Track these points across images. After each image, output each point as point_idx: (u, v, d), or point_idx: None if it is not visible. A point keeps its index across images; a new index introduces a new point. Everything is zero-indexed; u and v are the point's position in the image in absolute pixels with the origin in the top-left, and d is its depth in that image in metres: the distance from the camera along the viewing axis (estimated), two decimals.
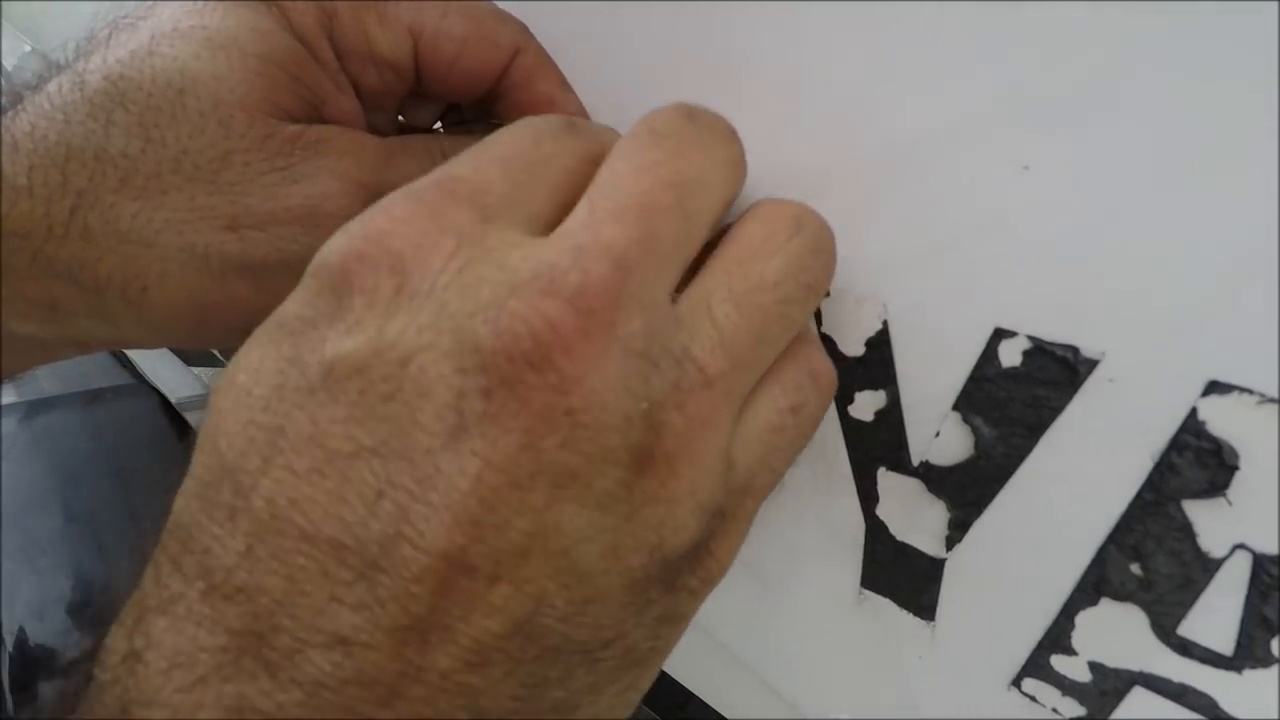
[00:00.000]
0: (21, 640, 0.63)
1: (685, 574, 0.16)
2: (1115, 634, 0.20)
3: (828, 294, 0.22)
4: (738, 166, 0.18)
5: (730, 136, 0.18)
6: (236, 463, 0.13)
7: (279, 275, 0.19)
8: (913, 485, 0.22)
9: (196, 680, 0.13)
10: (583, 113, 0.25)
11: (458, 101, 0.24)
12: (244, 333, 0.16)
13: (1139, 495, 0.18)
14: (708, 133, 0.17)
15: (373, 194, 0.19)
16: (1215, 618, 0.18)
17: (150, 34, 0.18)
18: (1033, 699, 0.22)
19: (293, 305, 0.14)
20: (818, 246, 0.17)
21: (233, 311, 0.19)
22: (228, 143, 0.18)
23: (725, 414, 0.16)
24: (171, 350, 0.71)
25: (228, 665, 0.13)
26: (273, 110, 0.19)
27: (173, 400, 1.03)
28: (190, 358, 0.74)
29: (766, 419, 0.17)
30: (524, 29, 0.23)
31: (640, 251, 0.14)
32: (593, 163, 0.17)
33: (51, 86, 0.18)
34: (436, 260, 0.14)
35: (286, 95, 0.19)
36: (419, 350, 0.13)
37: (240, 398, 0.14)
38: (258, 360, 0.14)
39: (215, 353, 0.66)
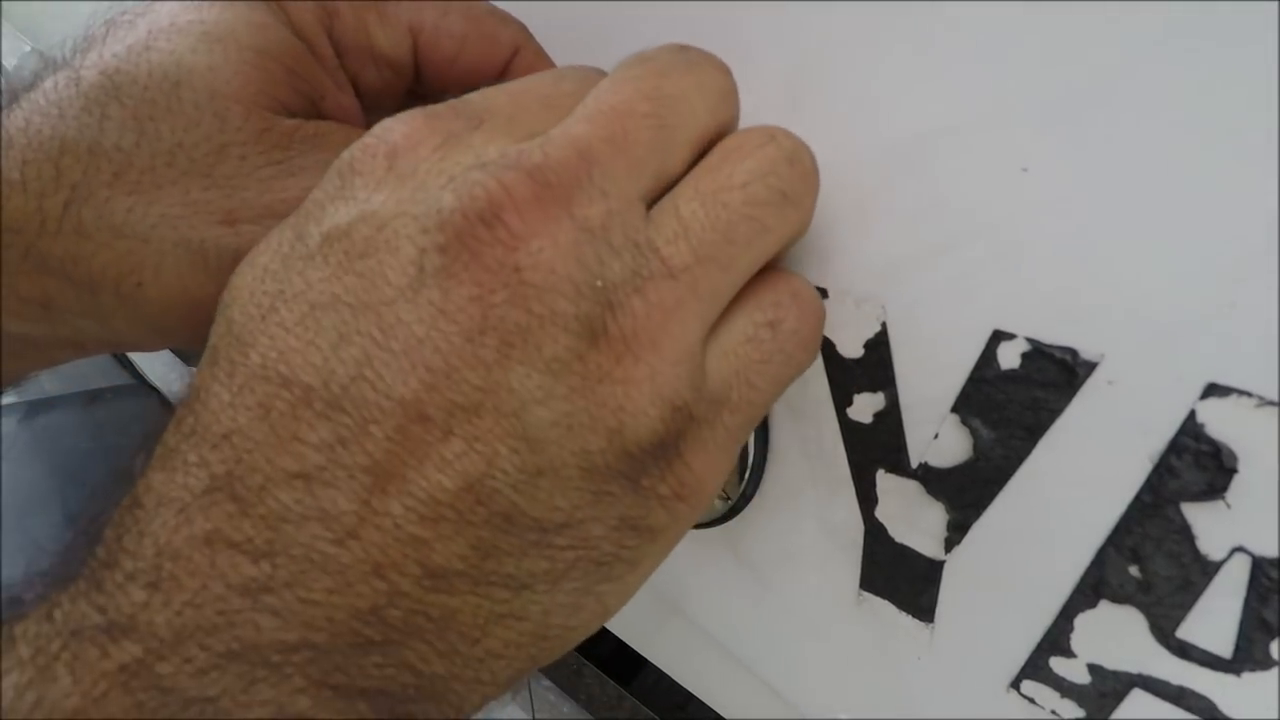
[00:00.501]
0: None
1: (653, 475, 0.16)
2: (1114, 636, 0.20)
3: (825, 294, 0.22)
4: (727, 96, 0.18)
5: (720, 69, 0.18)
6: (242, 324, 0.15)
7: None
8: (912, 487, 0.22)
9: (178, 514, 0.14)
10: None
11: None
12: None
13: (1138, 497, 0.18)
14: (697, 62, 0.17)
15: None
16: (1214, 620, 0.18)
17: (147, 29, 0.18)
18: (1031, 701, 0.22)
19: (312, 194, 0.16)
20: (792, 157, 0.17)
21: None
22: (223, 136, 0.18)
23: (691, 309, 0.16)
24: (172, 350, 0.71)
25: (206, 502, 0.14)
26: (269, 104, 0.19)
27: (173, 400, 1.03)
28: (189, 358, 0.74)
29: (742, 331, 0.17)
30: (523, 28, 0.23)
31: (607, 149, 0.15)
32: None
33: (47, 83, 0.18)
34: (424, 150, 0.15)
35: (283, 89, 0.19)
36: (394, 216, 0.14)
37: (253, 270, 0.15)
38: (275, 239, 0.16)
39: None
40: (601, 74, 0.18)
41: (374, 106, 0.23)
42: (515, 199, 0.14)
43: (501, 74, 0.23)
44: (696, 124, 0.17)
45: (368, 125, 0.22)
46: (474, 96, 0.17)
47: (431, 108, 0.16)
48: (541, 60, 0.24)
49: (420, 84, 0.23)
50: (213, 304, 0.18)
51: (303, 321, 0.14)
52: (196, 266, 0.18)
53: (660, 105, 0.16)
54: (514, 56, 0.23)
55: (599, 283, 0.14)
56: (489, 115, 0.16)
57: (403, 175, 0.15)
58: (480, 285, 0.14)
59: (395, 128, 0.16)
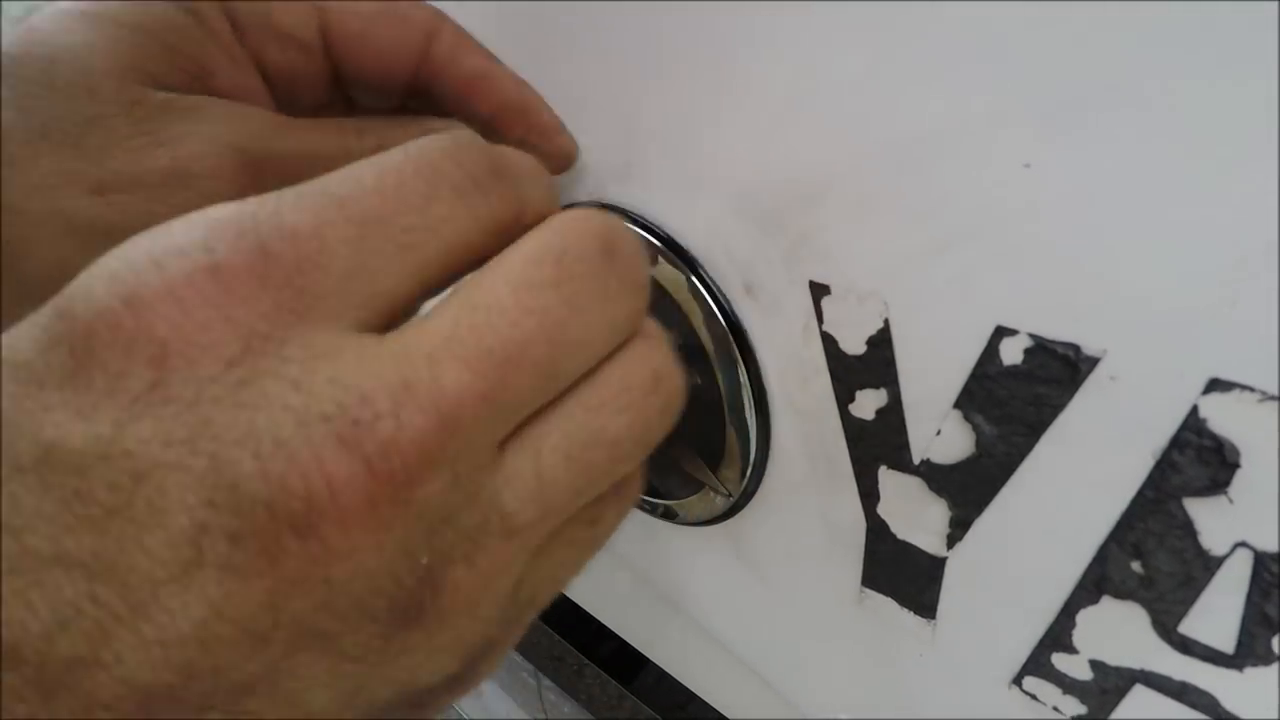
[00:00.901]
0: None
1: (437, 695, 0.14)
2: (1116, 632, 0.20)
3: (828, 290, 0.22)
4: (633, 322, 0.15)
5: (640, 289, 0.15)
6: None
7: None
8: (914, 483, 0.22)
9: None
10: (520, 87, 0.23)
11: (381, 88, 0.23)
12: None
13: (1140, 493, 0.18)
14: (617, 281, 0.14)
15: (259, 164, 0.19)
16: (1216, 615, 0.18)
17: (37, 16, 0.18)
18: (1033, 697, 0.22)
19: (23, 341, 0.12)
20: (669, 406, 0.15)
21: None
22: (93, 108, 0.18)
23: (520, 560, 0.14)
24: None
25: None
26: (143, 78, 0.18)
27: None
28: None
29: (567, 539, 0.15)
30: (438, 11, 0.22)
31: (481, 407, 0.12)
32: (500, 234, 0.14)
33: None
34: (210, 365, 0.11)
35: (160, 64, 0.18)
36: (162, 468, 0.11)
37: None
38: None
39: None
40: (494, 168, 0.14)
41: (287, 90, 0.22)
42: (341, 504, 0.11)
43: (423, 59, 0.22)
44: (588, 365, 0.14)
45: (278, 109, 0.21)
46: (303, 225, 0.12)
47: (230, 249, 0.11)
48: (462, 39, 0.23)
49: (338, 68, 0.22)
50: None
51: (13, 566, 0.10)
52: (68, 236, 0.18)
53: (558, 352, 0.13)
54: (432, 40, 0.22)
55: (424, 559, 0.12)
56: (318, 276, 0.12)
57: (174, 402, 0.11)
58: (275, 594, 0.11)
59: (164, 308, 0.11)
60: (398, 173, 0.13)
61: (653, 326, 0.16)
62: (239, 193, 0.15)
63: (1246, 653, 0.18)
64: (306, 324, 0.12)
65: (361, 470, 0.11)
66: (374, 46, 0.21)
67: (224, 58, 0.20)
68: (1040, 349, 0.18)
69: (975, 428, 0.20)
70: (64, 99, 0.18)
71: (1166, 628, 0.19)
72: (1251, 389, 0.16)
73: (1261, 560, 0.17)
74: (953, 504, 0.22)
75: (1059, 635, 0.21)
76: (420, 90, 0.23)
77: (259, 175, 0.19)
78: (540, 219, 0.15)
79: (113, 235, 0.16)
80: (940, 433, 0.21)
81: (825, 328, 0.23)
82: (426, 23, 0.22)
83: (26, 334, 0.12)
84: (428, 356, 0.12)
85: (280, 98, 0.22)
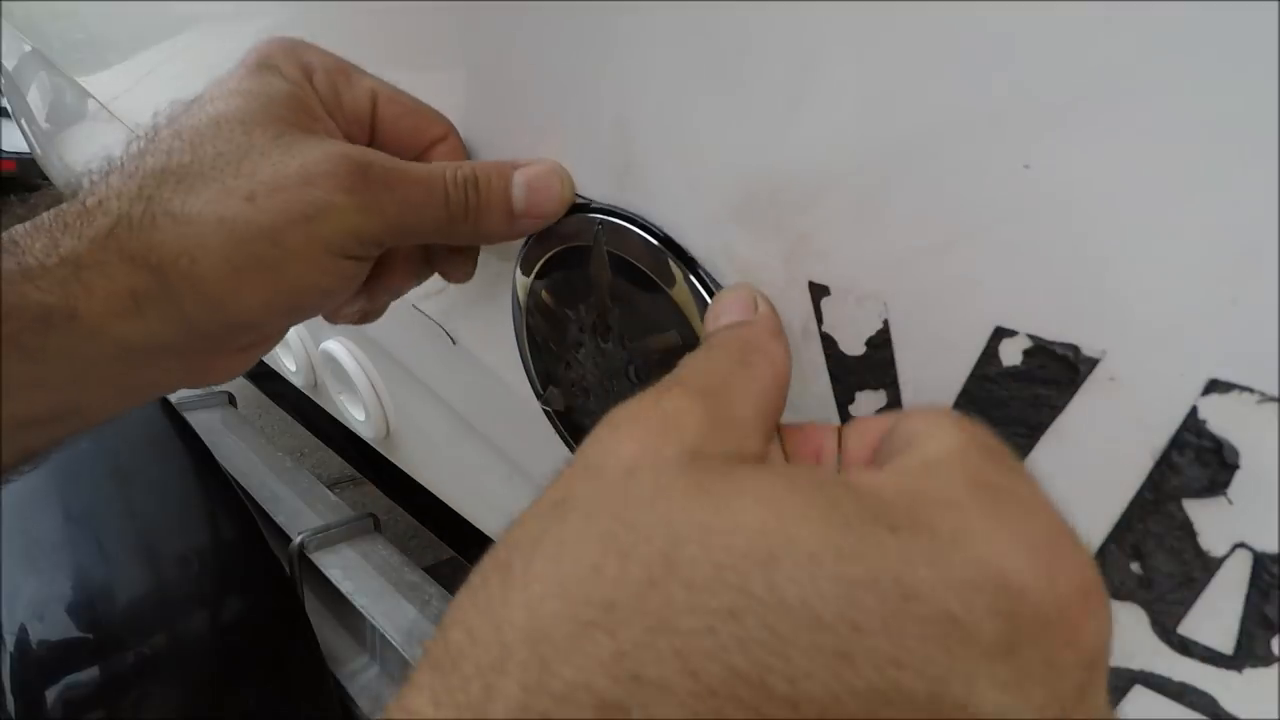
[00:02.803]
0: (22, 639, 0.63)
1: None
2: (1115, 633, 0.20)
3: (827, 291, 0.22)
4: None
5: None
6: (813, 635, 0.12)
7: (291, 232, 0.24)
8: None
9: None
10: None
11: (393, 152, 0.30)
12: (288, 310, 0.26)
13: (1139, 494, 0.18)
14: None
15: (363, 169, 0.25)
16: (1216, 616, 0.18)
17: (197, 99, 0.27)
18: None
19: (982, 622, 0.12)
20: None
21: (264, 278, 0.24)
22: (249, 142, 0.25)
23: None
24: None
25: None
26: (281, 124, 0.26)
27: (172, 400, 1.03)
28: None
29: None
30: (451, 125, 0.31)
31: None
32: None
33: (133, 147, 0.26)
34: (1084, 626, 0.13)
35: (290, 115, 0.26)
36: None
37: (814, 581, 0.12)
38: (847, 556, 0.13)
39: None
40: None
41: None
42: None
43: (424, 154, 0.31)
44: None
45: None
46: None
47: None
48: (459, 154, 0.31)
49: (373, 137, 0.30)
50: (249, 273, 0.24)
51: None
52: (230, 237, 0.24)
53: None
54: (440, 142, 0.31)
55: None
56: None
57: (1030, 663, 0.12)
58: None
59: (1059, 578, 0.13)
60: None
61: None
62: (351, 187, 0.25)
63: (1246, 654, 0.18)
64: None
65: None
66: (405, 130, 0.30)
67: (323, 115, 0.28)
68: (1040, 350, 0.18)
69: None
70: (227, 140, 0.25)
71: (1165, 628, 0.19)
72: (1251, 390, 0.16)
73: (1261, 561, 0.17)
74: None
75: None
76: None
77: (365, 177, 0.25)
78: None
79: (261, 233, 0.24)
80: None
81: (824, 329, 0.23)
82: (444, 128, 0.31)
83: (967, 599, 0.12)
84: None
85: None
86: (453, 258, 0.32)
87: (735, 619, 0.12)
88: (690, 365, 0.19)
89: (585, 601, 0.12)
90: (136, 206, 0.24)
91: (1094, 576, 0.14)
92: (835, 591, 0.12)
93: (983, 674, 0.12)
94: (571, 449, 0.35)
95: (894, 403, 0.22)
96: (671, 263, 0.26)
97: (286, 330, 0.31)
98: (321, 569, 0.77)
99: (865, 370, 0.22)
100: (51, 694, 0.60)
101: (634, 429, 0.16)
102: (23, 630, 0.63)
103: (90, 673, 0.62)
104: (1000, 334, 0.19)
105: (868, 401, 0.23)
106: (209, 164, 0.24)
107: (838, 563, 0.12)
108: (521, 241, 0.31)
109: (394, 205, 0.26)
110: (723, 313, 0.22)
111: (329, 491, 0.90)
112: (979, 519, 0.13)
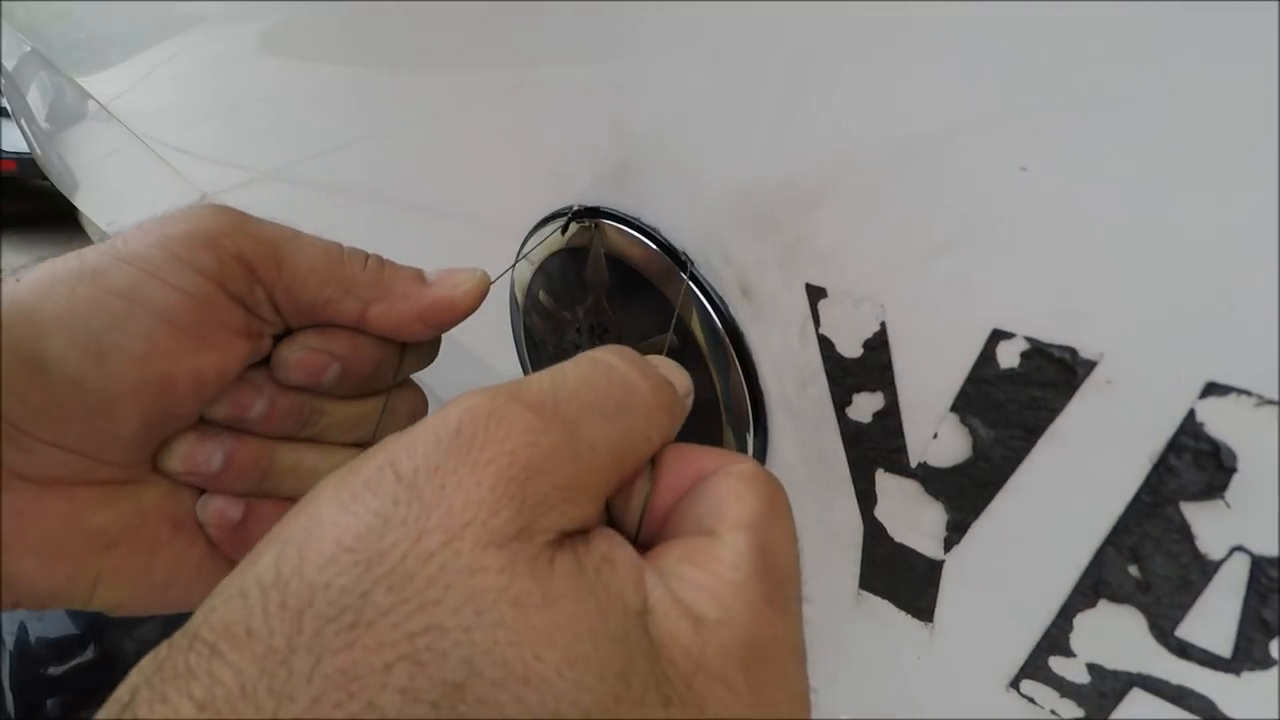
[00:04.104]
0: (22, 638, 0.63)
1: None
2: (1113, 636, 0.20)
3: (825, 293, 0.22)
4: None
5: None
6: None
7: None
8: (911, 487, 0.22)
9: None
10: None
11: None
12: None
13: (1137, 497, 0.18)
14: None
15: (222, 239, 0.22)
16: (1213, 620, 0.18)
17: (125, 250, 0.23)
18: (1031, 700, 0.22)
19: None
20: None
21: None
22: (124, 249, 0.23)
23: None
24: None
25: None
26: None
27: None
28: None
29: None
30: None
31: None
32: None
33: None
34: None
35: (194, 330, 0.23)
36: None
37: None
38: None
39: None
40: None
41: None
42: None
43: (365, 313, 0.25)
44: None
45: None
46: None
47: None
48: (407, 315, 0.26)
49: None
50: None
51: None
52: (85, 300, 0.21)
53: None
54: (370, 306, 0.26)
55: None
56: None
57: None
58: None
59: None
60: None
61: None
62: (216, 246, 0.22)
63: (1244, 657, 0.17)
64: None
65: None
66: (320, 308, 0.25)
67: (237, 313, 0.24)
68: (1037, 352, 0.18)
69: (972, 431, 0.20)
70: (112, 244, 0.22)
71: (1164, 631, 0.19)
72: (1249, 393, 0.16)
73: (1258, 564, 0.17)
74: (950, 507, 0.22)
75: (1056, 639, 0.21)
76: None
77: (228, 241, 0.22)
78: None
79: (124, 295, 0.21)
80: (937, 436, 0.21)
81: (822, 330, 0.23)
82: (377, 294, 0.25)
83: None
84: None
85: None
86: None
87: None
88: (564, 376, 0.18)
89: (368, 704, 0.12)
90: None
91: None
92: None
93: None
94: None
95: (891, 404, 0.22)
96: (668, 265, 0.26)
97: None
98: None
99: (863, 372, 0.22)
100: (51, 690, 0.60)
101: (471, 468, 0.15)
102: (22, 629, 0.63)
103: (89, 669, 0.62)
104: (998, 336, 0.19)
105: (865, 403, 0.22)
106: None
107: None
108: (521, 240, 0.31)
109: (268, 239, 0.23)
110: (662, 367, 0.20)
111: None
112: (742, 705, 0.15)
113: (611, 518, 0.18)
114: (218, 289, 0.22)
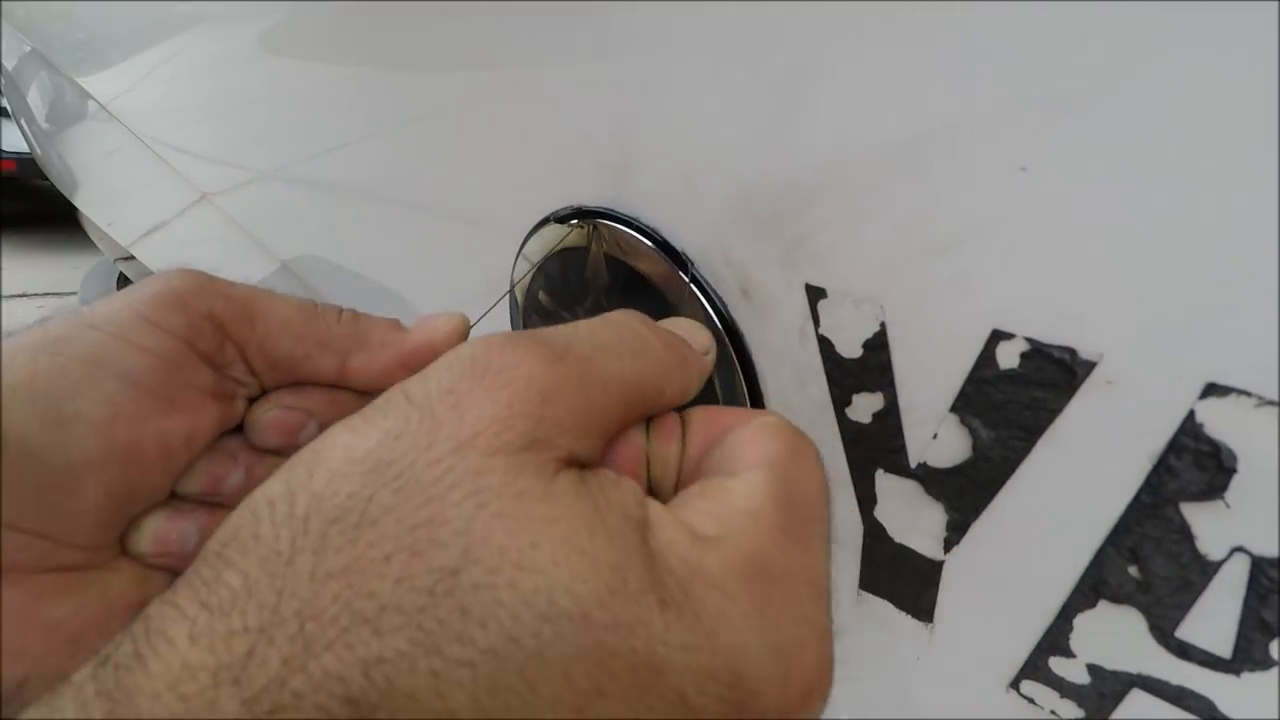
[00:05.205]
0: None
1: None
2: (1113, 636, 0.20)
3: (825, 294, 0.22)
4: None
5: None
6: None
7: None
8: (911, 487, 0.22)
9: None
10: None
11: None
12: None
13: (1137, 497, 0.18)
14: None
15: (190, 297, 0.22)
16: (1213, 620, 0.18)
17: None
18: (1031, 701, 0.22)
19: (708, 708, 0.14)
20: None
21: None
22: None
23: None
24: None
25: None
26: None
27: None
28: None
29: None
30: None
31: None
32: None
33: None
34: None
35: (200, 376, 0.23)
36: None
37: None
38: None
39: None
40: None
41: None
42: None
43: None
44: None
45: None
46: None
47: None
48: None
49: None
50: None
51: None
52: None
53: None
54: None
55: None
56: None
57: None
58: None
59: None
60: None
61: None
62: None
63: (1244, 658, 0.17)
64: None
65: None
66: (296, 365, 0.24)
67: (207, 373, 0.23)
68: (1037, 353, 0.18)
69: (972, 431, 0.20)
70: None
71: (1164, 632, 0.19)
72: (1249, 394, 0.16)
73: (1258, 565, 0.17)
74: (950, 507, 0.22)
75: (1056, 639, 0.21)
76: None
77: (197, 300, 0.22)
78: None
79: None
80: (937, 436, 0.21)
81: (822, 331, 0.23)
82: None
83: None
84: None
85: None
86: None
87: (496, 659, 0.13)
88: (577, 325, 0.18)
89: (366, 594, 0.13)
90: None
91: (826, 672, 0.15)
92: (594, 657, 0.13)
93: None
94: None
95: (891, 405, 0.22)
96: (668, 266, 0.26)
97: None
98: None
99: (862, 372, 0.22)
100: None
101: (488, 389, 0.15)
102: None
103: None
104: (997, 337, 0.19)
105: (865, 404, 0.22)
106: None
107: (605, 631, 0.13)
108: (521, 240, 0.31)
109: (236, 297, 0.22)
110: (682, 326, 0.21)
111: None
112: (741, 613, 0.14)
113: (650, 489, 0.19)
114: (186, 348, 0.21)
